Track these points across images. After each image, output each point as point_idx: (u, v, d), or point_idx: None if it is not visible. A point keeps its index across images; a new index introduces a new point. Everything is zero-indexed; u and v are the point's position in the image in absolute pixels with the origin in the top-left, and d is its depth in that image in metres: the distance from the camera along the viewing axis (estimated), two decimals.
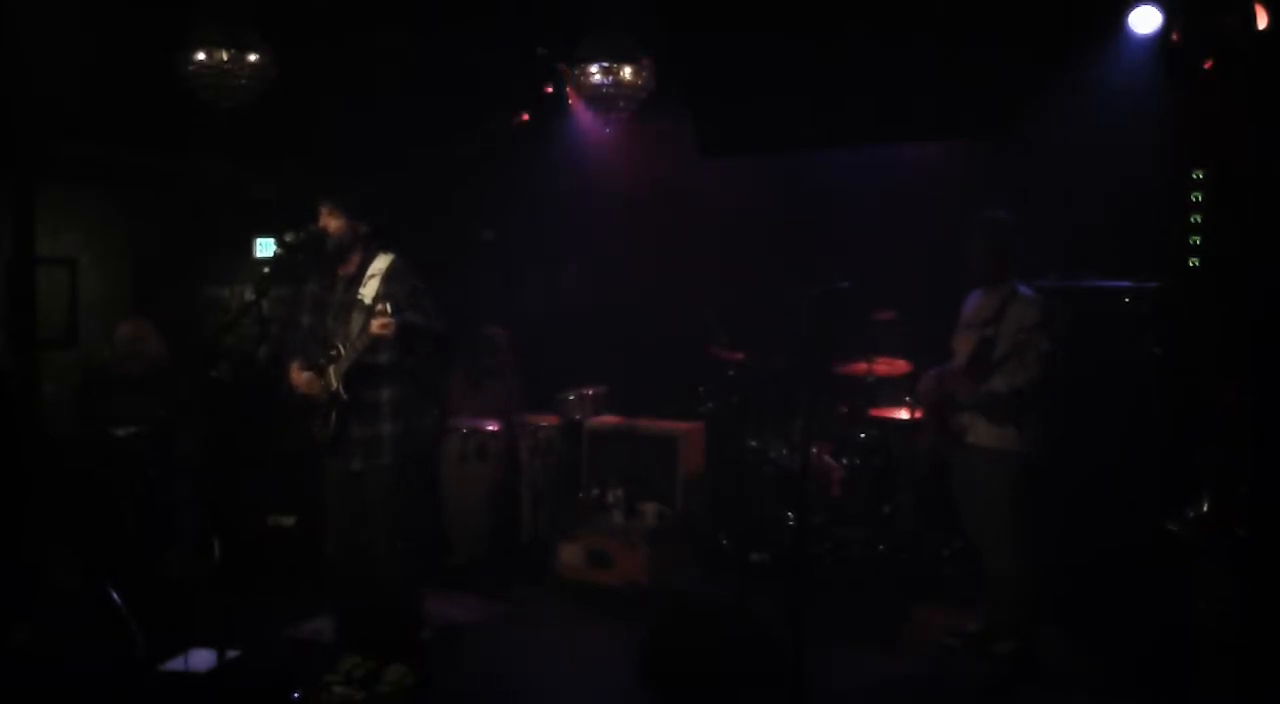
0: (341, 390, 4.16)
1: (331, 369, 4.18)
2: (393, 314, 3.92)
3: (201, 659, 4.34)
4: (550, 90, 6.75)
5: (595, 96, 5.77)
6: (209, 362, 4.35)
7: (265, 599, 5.18)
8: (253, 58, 5.19)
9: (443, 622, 5.10)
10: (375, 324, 3.93)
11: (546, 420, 6.51)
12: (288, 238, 4.15)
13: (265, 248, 7.36)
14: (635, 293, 7.21)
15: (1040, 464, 4.49)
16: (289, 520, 5.91)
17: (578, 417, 6.56)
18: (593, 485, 6.21)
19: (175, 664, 4.41)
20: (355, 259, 4.28)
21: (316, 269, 4.36)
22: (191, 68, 5.19)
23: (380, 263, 4.24)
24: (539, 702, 4.48)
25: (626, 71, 5.59)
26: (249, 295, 4.07)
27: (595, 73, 5.61)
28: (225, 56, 5.15)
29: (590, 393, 6.69)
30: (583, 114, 6.51)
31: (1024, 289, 4.54)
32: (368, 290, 4.16)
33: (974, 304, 4.72)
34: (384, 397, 4.21)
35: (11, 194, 5.37)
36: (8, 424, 5.14)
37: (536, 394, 6.77)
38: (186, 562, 5.30)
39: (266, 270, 4.34)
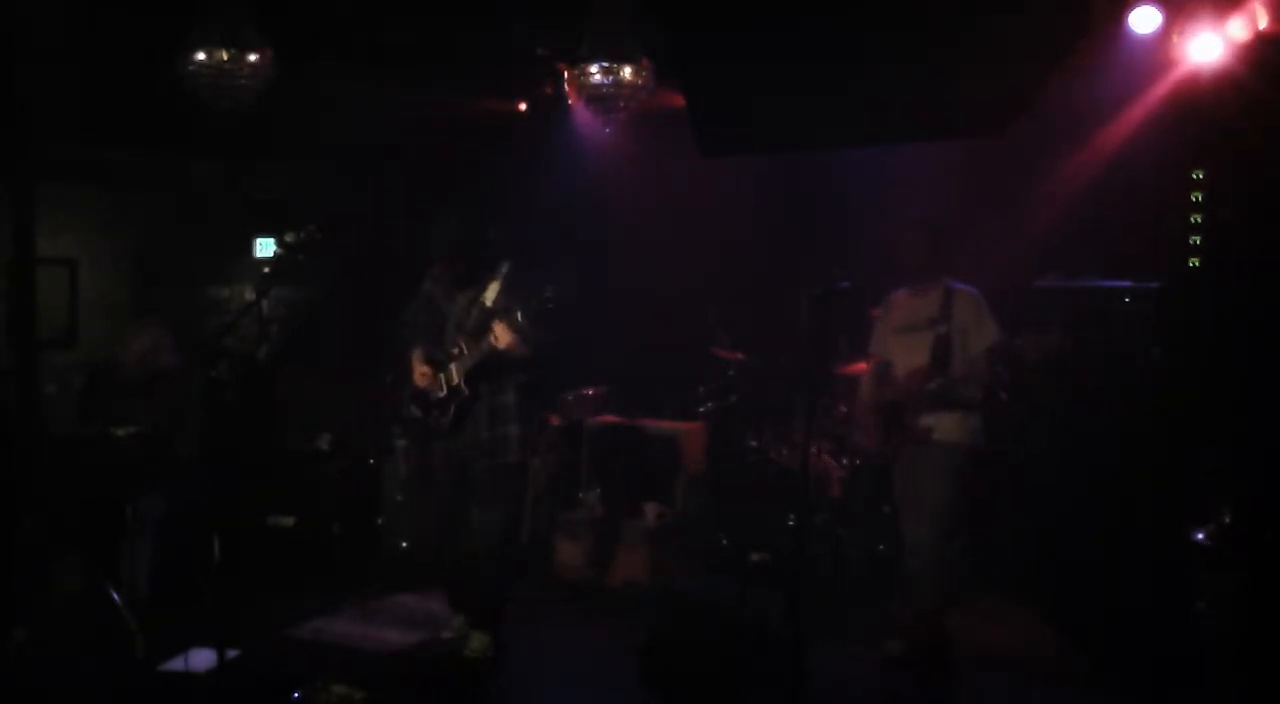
0: (463, 385, 4.46)
1: (453, 366, 4.49)
2: (516, 332, 4.27)
3: (201, 659, 4.34)
4: (550, 90, 6.75)
5: (595, 96, 5.76)
6: (209, 361, 4.36)
7: (265, 599, 5.18)
8: (253, 58, 5.18)
9: (443, 621, 5.09)
10: (500, 338, 4.27)
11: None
12: (288, 238, 4.19)
13: (265, 248, 7.35)
14: (635, 293, 7.20)
15: (984, 455, 4.62)
16: (289, 520, 5.90)
17: (578, 417, 6.56)
18: (593, 485, 6.20)
19: (175, 664, 4.40)
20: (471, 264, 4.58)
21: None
22: (191, 68, 5.18)
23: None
24: (539, 701, 4.48)
25: (626, 71, 5.58)
26: (249, 295, 4.08)
27: (595, 73, 5.60)
28: (225, 56, 5.14)
29: (590, 393, 6.68)
30: (583, 114, 6.50)
31: (959, 285, 4.62)
32: (489, 294, 4.46)
33: (903, 305, 4.76)
34: (511, 399, 4.53)
35: (11, 194, 5.37)
36: (8, 424, 5.15)
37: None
38: (184, 562, 5.30)
39: (266, 270, 4.36)
